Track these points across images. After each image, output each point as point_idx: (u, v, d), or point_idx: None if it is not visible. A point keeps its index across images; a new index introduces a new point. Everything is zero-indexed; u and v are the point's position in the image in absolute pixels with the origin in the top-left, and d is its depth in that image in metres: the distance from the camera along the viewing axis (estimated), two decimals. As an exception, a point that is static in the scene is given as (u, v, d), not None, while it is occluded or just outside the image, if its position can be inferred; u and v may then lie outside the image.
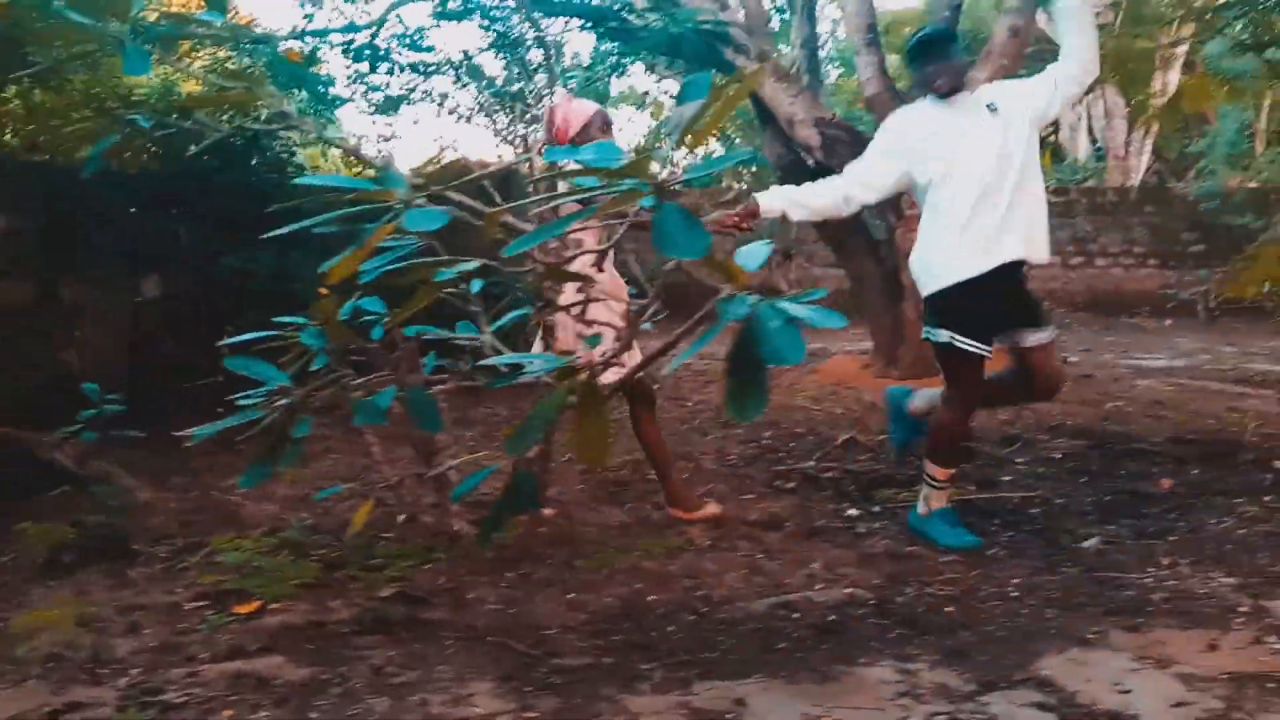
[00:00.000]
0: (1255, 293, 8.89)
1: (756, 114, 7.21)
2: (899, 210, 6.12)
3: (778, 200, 3.04)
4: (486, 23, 9.52)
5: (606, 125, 3.31)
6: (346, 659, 2.27)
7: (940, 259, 2.97)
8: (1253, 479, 3.74)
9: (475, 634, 2.40)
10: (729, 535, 3.23)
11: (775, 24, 9.50)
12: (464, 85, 13.16)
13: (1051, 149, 14.74)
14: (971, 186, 2.89)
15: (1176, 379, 6.47)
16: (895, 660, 2.22)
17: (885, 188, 3.12)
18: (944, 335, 2.95)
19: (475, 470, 2.84)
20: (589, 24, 7.77)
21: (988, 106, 2.96)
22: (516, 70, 12.47)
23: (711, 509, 3.38)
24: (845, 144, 6.25)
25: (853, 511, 3.47)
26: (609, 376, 2.61)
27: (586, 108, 3.32)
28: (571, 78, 12.65)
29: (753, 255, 1.69)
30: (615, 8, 7.04)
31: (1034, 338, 3.03)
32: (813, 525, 3.33)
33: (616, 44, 8.68)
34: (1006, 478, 3.88)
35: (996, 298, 2.94)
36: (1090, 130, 16.50)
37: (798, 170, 6.62)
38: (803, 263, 11.46)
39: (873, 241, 6.65)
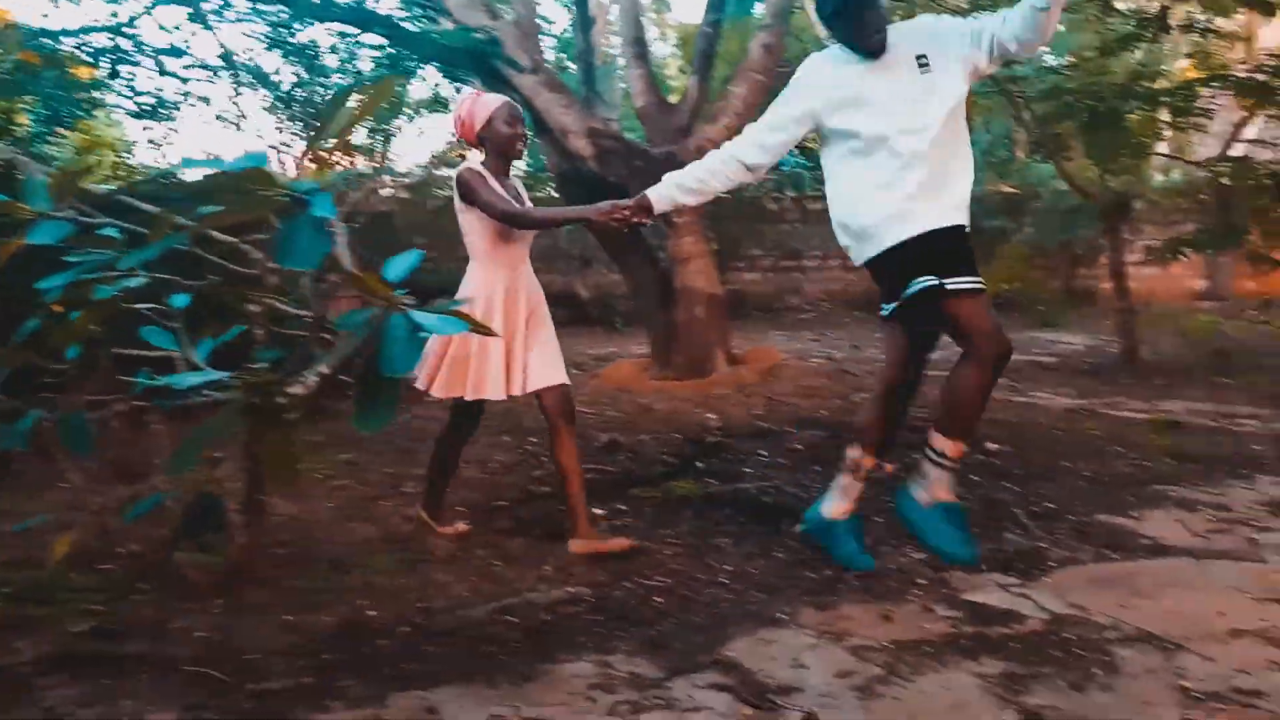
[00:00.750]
0: (1002, 289, 9.74)
1: (533, 124, 7.26)
2: (669, 219, 6.31)
3: (669, 191, 2.83)
4: (266, 26, 9.18)
5: (514, 119, 3.07)
6: (21, 702, 2.12)
7: (874, 220, 2.66)
8: (968, 460, 4.09)
9: (172, 665, 2.30)
10: (471, 544, 3.24)
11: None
12: (242, 90, 12.59)
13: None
14: (904, 149, 2.61)
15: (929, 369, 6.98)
16: (596, 654, 2.29)
17: (787, 149, 2.88)
18: (926, 281, 2.58)
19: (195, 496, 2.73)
20: (361, 29, 7.62)
21: (917, 60, 2.65)
22: (301, 74, 12.03)
23: (620, 541, 3.08)
24: (618, 154, 6.41)
25: (599, 511, 3.55)
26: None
27: (491, 102, 3.10)
28: (360, 82, 12.34)
29: (400, 265, 1.71)
30: (384, 13, 6.93)
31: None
32: (557, 527, 3.38)
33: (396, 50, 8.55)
34: (748, 470, 4.07)
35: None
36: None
37: (575, 179, 6.73)
38: (602, 269, 11.64)
39: (650, 251, 6.83)
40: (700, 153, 6.15)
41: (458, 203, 3.05)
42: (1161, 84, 6.70)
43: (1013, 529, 3.16)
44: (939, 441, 2.72)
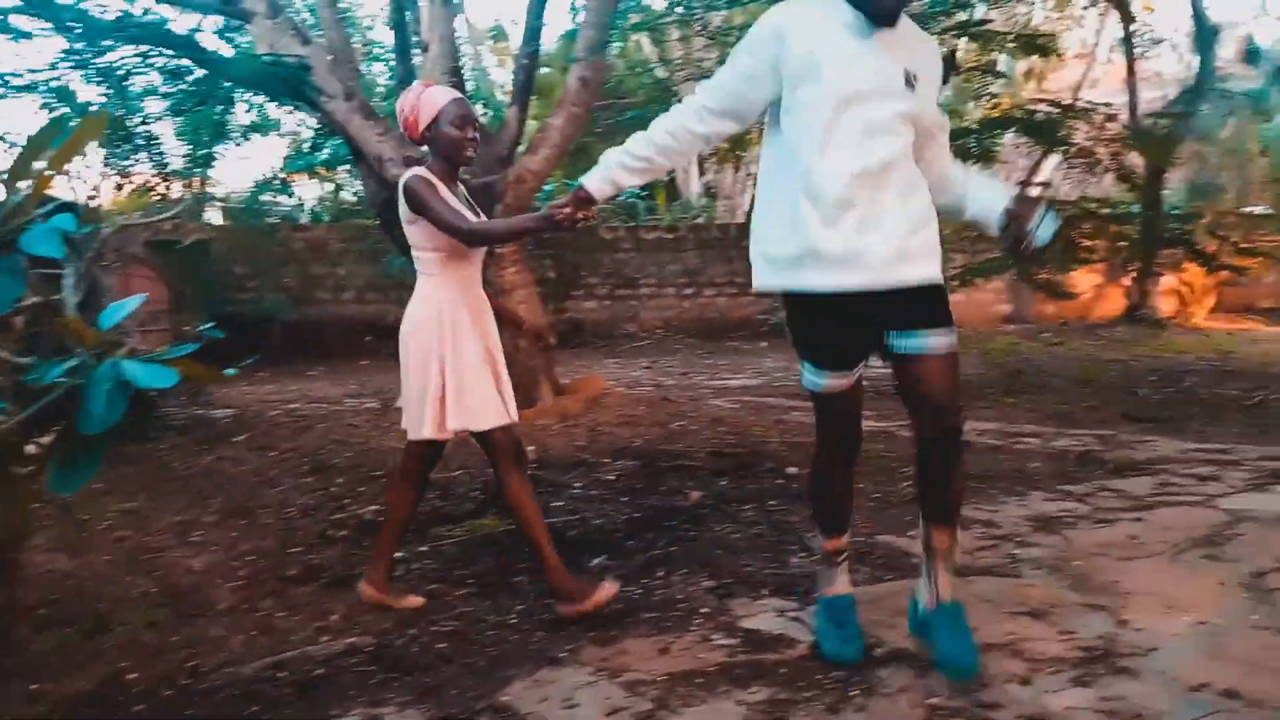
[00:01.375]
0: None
1: (350, 151, 7.09)
2: (492, 251, 6.26)
3: (611, 173, 2.44)
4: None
5: (464, 120, 2.78)
6: None
7: None
8: (765, 486, 4.23)
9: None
10: (256, 594, 3.09)
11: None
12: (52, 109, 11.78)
13: (665, 188, 15.95)
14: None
15: (745, 397, 7.21)
16: (366, 707, 2.22)
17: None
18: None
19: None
20: (166, 51, 7.25)
21: (906, 74, 2.21)
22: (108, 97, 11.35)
23: (607, 590, 2.70)
24: (434, 183, 6.32)
25: (398, 554, 3.46)
26: None
27: (438, 98, 2.80)
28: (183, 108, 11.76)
29: (117, 311, 1.60)
30: (183, 35, 6.63)
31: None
32: (351, 573, 3.27)
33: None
34: (559, 503, 4.06)
35: None
36: (702, 171, 18.08)
37: (393, 207, 6.58)
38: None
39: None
40: (520, 183, 6.23)
41: (404, 213, 2.77)
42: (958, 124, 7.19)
43: (800, 553, 3.26)
44: (954, 536, 2.42)
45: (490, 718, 2.15)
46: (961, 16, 6.66)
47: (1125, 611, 2.60)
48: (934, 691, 2.19)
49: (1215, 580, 2.83)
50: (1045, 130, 6.22)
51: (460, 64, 6.85)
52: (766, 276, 2.34)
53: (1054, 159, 10.68)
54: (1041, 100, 7.76)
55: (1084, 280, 13.81)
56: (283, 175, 14.46)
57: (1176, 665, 2.27)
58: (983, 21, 6.66)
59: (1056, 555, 3.13)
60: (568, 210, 2.48)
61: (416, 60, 7.43)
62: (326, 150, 13.79)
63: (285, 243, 12.78)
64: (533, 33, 6.55)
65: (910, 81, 2.20)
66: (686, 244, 14.04)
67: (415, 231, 2.79)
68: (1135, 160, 8.10)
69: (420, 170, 2.77)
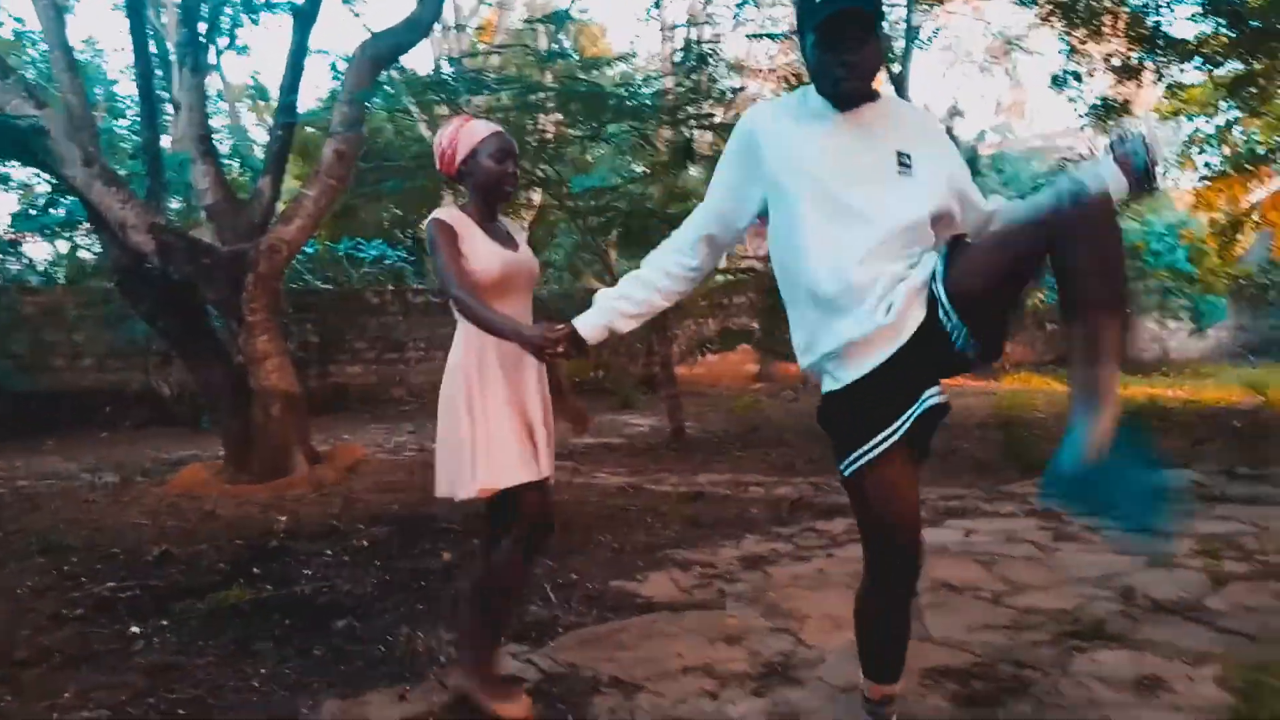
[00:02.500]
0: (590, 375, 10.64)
1: (90, 218, 6.84)
2: (240, 315, 6.24)
3: (605, 320, 2.26)
4: None
5: (504, 154, 2.63)
6: None
7: None
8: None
9: None
10: (-23, 680, 3.00)
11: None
12: None
13: (434, 253, 16.06)
14: None
15: (507, 459, 7.46)
16: (99, 776, 2.28)
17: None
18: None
19: None
20: None
21: (898, 155, 2.02)
22: None
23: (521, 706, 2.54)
24: (182, 250, 6.24)
25: (135, 629, 3.43)
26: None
27: (478, 131, 2.65)
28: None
29: None
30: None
31: None
32: (87, 651, 3.22)
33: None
34: (307, 572, 4.14)
35: None
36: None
37: (138, 274, 6.42)
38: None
39: (223, 350, 6.66)
40: (273, 252, 6.26)
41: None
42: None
43: (538, 602, 3.55)
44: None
45: (229, 773, 2.27)
46: (692, 109, 7.38)
47: (803, 632, 3.08)
48: (638, 710, 2.53)
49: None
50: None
51: (211, 129, 6.81)
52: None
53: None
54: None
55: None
56: (11, 234, 13.37)
57: (835, 674, 2.74)
58: (707, 116, 7.43)
59: (756, 588, 3.60)
60: (559, 350, 2.24)
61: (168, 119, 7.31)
62: (61, 209, 12.95)
63: (13, 306, 11.81)
64: (287, 107, 6.65)
65: (904, 161, 2.01)
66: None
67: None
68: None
69: (440, 214, 2.61)
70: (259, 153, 21.31)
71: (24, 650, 3.29)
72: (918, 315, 1.95)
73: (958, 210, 2.08)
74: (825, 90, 2.01)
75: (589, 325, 2.24)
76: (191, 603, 3.72)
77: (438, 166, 2.73)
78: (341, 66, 8.64)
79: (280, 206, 6.95)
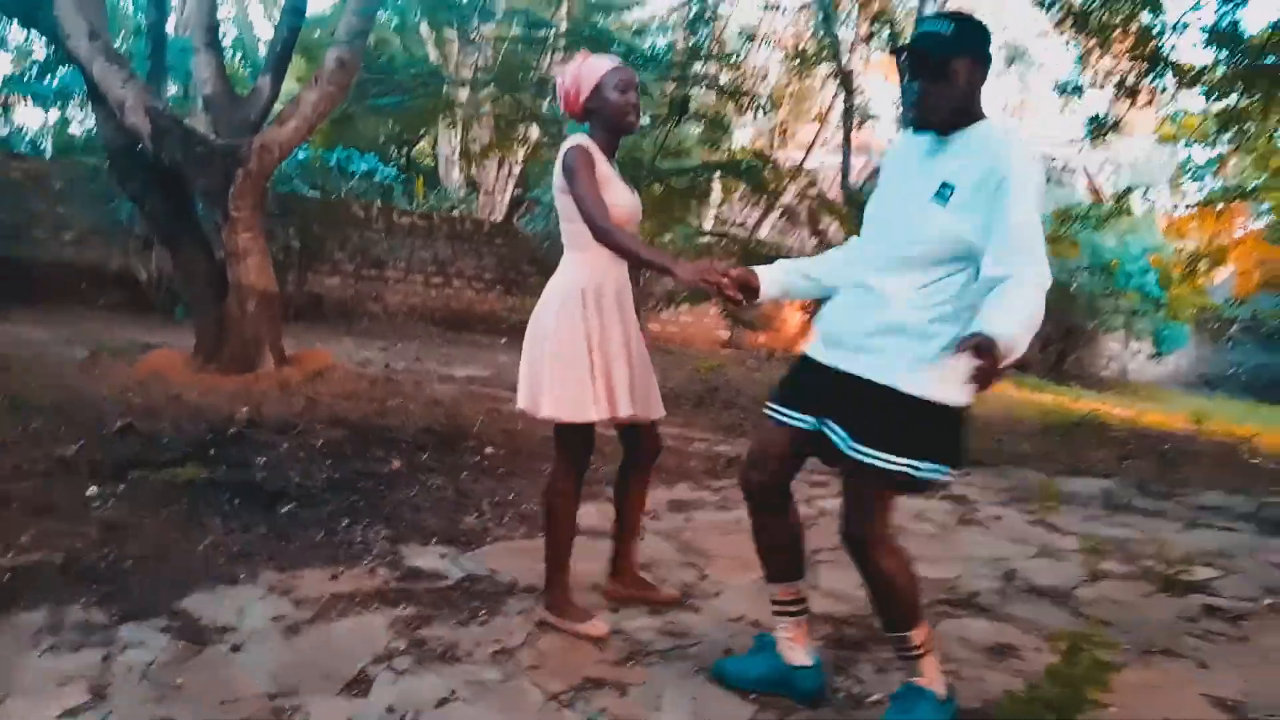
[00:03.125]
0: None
1: (89, 93, 6.90)
2: (226, 210, 6.36)
3: (786, 279, 2.41)
4: None
5: (627, 85, 2.65)
6: None
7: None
8: (461, 461, 4.75)
9: None
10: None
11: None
12: None
13: (425, 174, 16.11)
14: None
15: (470, 385, 7.70)
16: (53, 605, 2.52)
17: None
18: (939, 473, 2.20)
19: None
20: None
21: (941, 184, 2.15)
22: None
23: (598, 627, 2.73)
24: (176, 137, 6.34)
25: (93, 489, 3.66)
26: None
27: (600, 65, 2.67)
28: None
29: None
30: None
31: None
32: (46, 503, 3.44)
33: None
34: (262, 459, 4.36)
35: None
36: (467, 164, 18.35)
37: (129, 154, 6.52)
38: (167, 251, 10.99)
39: (206, 241, 6.79)
40: (265, 151, 6.38)
41: (558, 181, 2.64)
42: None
43: (474, 514, 3.82)
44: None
45: (167, 619, 2.52)
46: (695, 67, 7.53)
47: (709, 568, 3.37)
48: (538, 614, 2.79)
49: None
50: (747, 176, 7.21)
51: (217, 20, 6.87)
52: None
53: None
54: (753, 153, 8.89)
55: (794, 316, 15.49)
56: (2, 97, 13.29)
57: (729, 605, 3.03)
58: (710, 76, 7.58)
59: (676, 528, 3.88)
60: (726, 284, 2.29)
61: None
62: (55, 79, 12.88)
63: (-1, 170, 11.80)
64: (294, 9, 6.72)
65: (942, 192, 2.13)
66: (439, 233, 14.28)
67: (566, 203, 2.63)
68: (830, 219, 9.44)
69: (581, 140, 2.64)
70: (262, 49, 21.10)
71: (-15, 494, 3.51)
72: (874, 364, 2.17)
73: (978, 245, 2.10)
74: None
75: (770, 278, 2.40)
76: (149, 473, 3.93)
77: (562, 108, 2.78)
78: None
79: (278, 107, 7.03)
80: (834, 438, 2.22)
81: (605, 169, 2.65)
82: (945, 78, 2.14)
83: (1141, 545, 4.29)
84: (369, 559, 3.16)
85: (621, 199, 2.66)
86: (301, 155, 14.12)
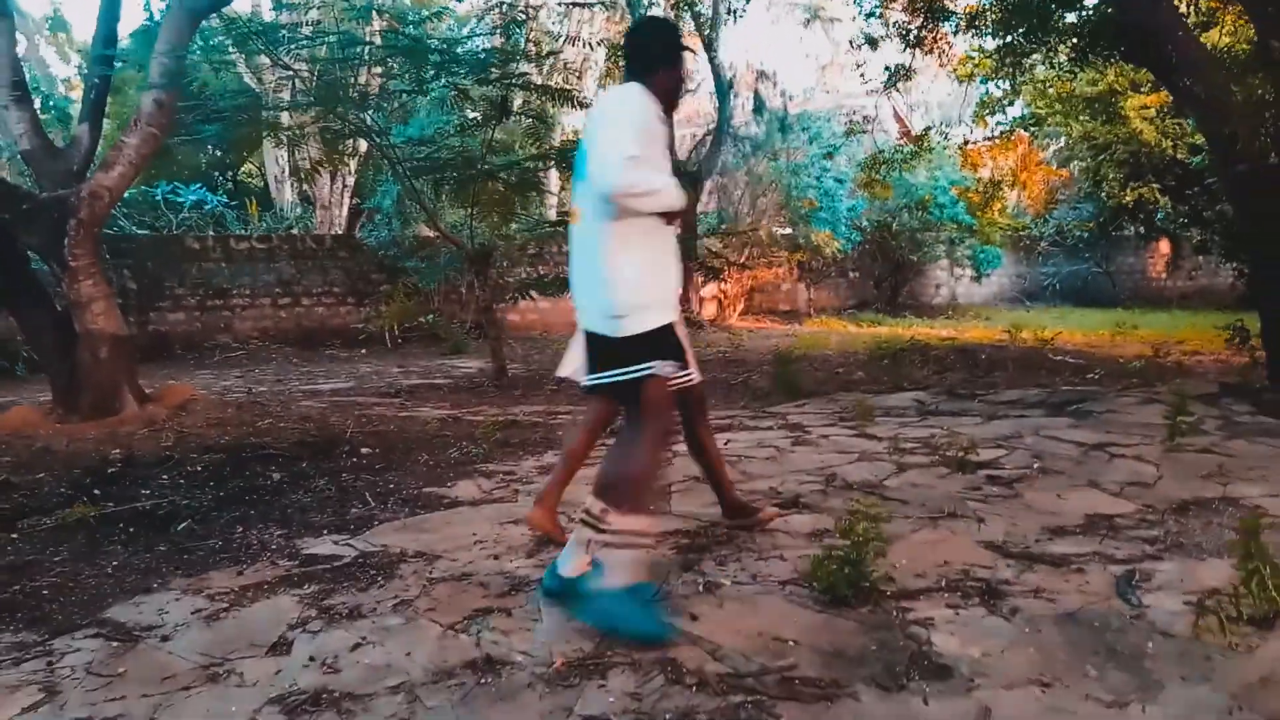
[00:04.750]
0: (388, 325, 11.08)
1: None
2: (63, 261, 6.41)
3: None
4: None
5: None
6: None
7: (663, 296, 2.75)
8: (339, 465, 5.07)
9: None
10: None
11: None
12: None
13: (256, 195, 15.90)
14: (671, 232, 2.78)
15: (334, 397, 7.93)
16: (-19, 637, 2.78)
17: None
18: (666, 368, 2.71)
19: None
20: None
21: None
22: None
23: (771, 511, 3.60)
24: (2, 196, 6.34)
25: (-13, 542, 3.83)
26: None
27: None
28: None
29: None
30: None
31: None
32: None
33: None
34: (146, 491, 4.58)
35: None
36: (299, 179, 18.11)
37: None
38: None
39: (44, 292, 6.79)
40: (95, 198, 6.46)
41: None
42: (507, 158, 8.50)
43: (359, 505, 4.18)
44: (615, 518, 2.64)
45: (96, 628, 2.82)
46: (513, 68, 7.92)
47: (574, 514, 3.84)
48: (435, 570, 3.22)
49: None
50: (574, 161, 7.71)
51: (23, 77, 6.83)
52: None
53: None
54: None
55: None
56: None
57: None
58: (523, 75, 8.00)
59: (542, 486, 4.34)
60: None
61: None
62: None
63: None
64: (103, 59, 6.76)
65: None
66: (281, 253, 14.21)
67: None
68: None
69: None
70: (62, 90, 20.18)
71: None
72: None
73: None
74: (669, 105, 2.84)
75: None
76: (38, 519, 4.13)
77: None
78: (159, 13, 8.63)
79: (100, 151, 7.05)
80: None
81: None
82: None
83: (943, 439, 5.02)
84: (269, 554, 3.49)
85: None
86: (126, 194, 13.75)
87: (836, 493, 4.06)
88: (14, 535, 3.93)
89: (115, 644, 2.69)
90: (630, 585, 2.60)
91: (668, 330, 2.75)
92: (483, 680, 2.37)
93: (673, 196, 2.66)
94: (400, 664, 2.49)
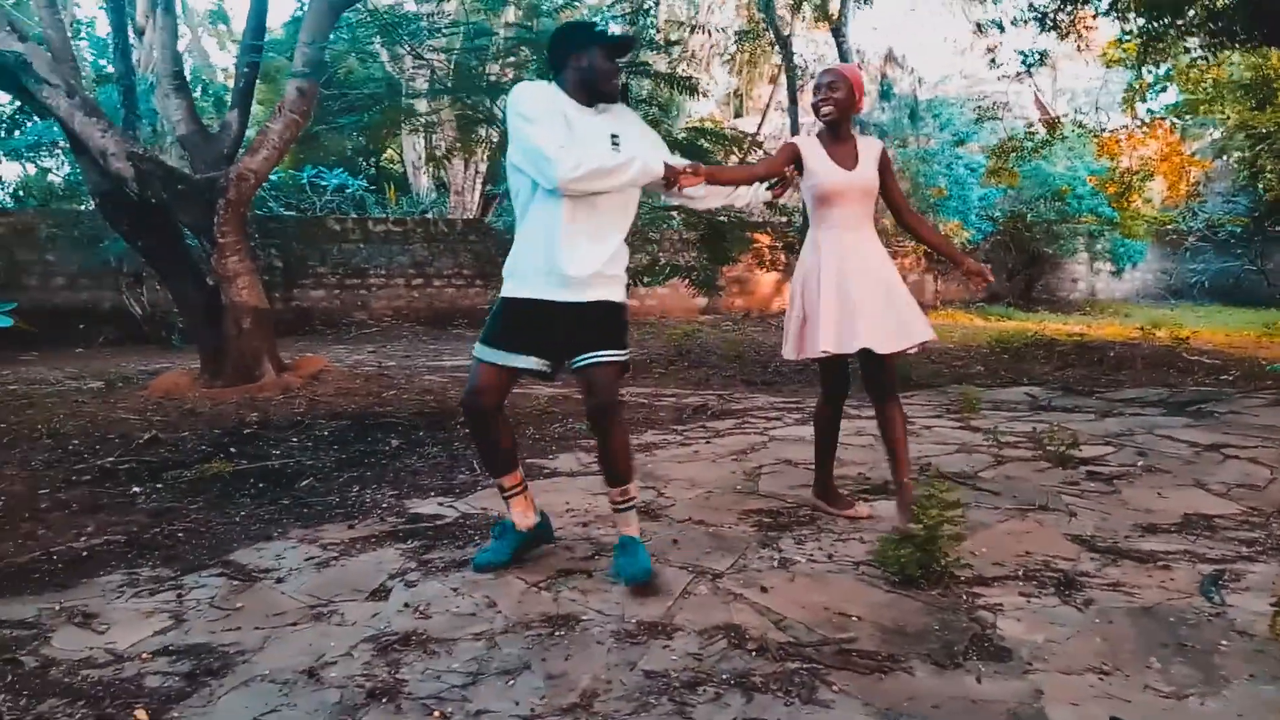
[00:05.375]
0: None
1: (71, 145, 7.44)
2: (213, 238, 6.93)
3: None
4: None
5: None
6: None
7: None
8: (453, 434, 5.35)
9: None
10: (13, 520, 3.80)
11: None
12: None
13: (395, 181, 16.62)
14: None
15: (456, 374, 8.29)
16: (126, 569, 3.12)
17: None
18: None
19: None
20: None
21: (611, 137, 2.91)
22: None
23: (863, 509, 3.63)
24: (159, 177, 6.90)
25: (136, 489, 4.25)
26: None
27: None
28: None
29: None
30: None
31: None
32: (97, 504, 4.03)
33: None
34: (276, 451, 4.96)
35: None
36: (434, 167, 18.83)
37: (116, 198, 7.07)
38: (156, 285, 11.53)
39: (197, 269, 7.35)
40: (242, 180, 6.95)
41: (874, 166, 3.39)
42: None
43: (466, 472, 4.42)
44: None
45: (221, 568, 3.13)
46: (633, 56, 8.05)
47: (665, 489, 3.98)
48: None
49: (728, 471, 4.29)
50: (691, 153, 7.75)
51: (181, 67, 7.40)
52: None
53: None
54: (697, 127, 9.45)
55: (765, 279, 16.07)
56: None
57: (679, 514, 3.63)
58: (645, 64, 8.13)
59: (641, 463, 4.49)
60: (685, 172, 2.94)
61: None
62: (25, 132, 13.35)
63: (-14, 226, 12.32)
64: (251, 48, 7.25)
65: (615, 143, 2.89)
66: (414, 237, 14.84)
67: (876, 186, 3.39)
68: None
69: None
70: (220, 77, 21.53)
71: (46, 503, 4.11)
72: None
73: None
74: (604, 94, 2.98)
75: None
76: (180, 472, 4.54)
77: (851, 104, 3.37)
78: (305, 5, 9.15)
79: (250, 135, 7.58)
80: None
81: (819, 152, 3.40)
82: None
83: (1051, 435, 4.91)
84: (379, 512, 3.76)
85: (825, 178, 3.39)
86: (274, 177, 14.65)
87: (929, 482, 4.04)
88: (159, 485, 4.34)
89: (236, 583, 2.97)
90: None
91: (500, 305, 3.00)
92: (556, 632, 2.53)
93: (629, 170, 2.81)
94: (485, 614, 2.67)
